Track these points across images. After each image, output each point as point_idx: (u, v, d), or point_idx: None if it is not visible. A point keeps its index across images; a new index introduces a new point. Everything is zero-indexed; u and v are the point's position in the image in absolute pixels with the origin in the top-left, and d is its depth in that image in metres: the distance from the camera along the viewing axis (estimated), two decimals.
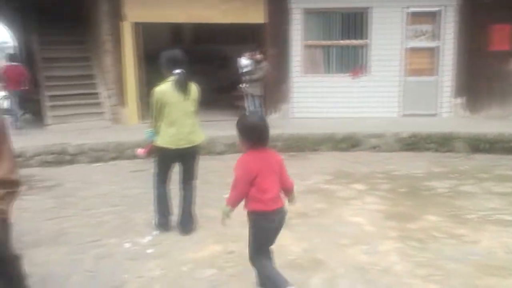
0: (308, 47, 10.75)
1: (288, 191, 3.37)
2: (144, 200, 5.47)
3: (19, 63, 10.91)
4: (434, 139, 8.75)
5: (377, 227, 4.64)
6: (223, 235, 4.42)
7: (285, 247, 4.14)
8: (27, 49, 12.70)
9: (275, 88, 10.65)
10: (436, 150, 8.58)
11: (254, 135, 3.14)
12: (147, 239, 4.38)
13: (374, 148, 8.72)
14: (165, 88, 4.31)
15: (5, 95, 13.05)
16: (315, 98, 10.70)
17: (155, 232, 4.54)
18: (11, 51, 14.55)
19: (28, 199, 5.80)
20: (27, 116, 11.85)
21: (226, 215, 3.15)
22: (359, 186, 6.17)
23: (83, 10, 11.91)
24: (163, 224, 4.59)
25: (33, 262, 3.91)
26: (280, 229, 3.21)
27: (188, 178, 4.66)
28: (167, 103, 4.28)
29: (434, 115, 10.65)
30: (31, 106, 11.58)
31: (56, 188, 6.31)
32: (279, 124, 9.86)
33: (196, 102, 4.56)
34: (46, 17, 11.60)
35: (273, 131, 8.27)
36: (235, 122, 3.26)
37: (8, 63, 10.55)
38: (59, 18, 11.62)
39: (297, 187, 6.17)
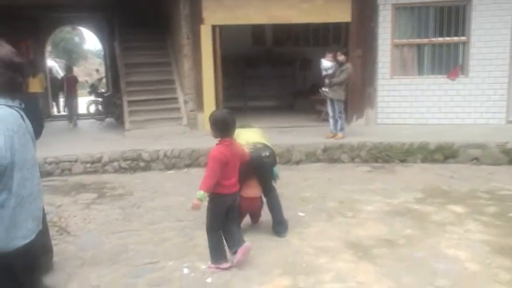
0: (397, 46, 9.84)
1: None
2: None
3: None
4: None
5: (483, 265, 3.77)
6: (292, 264, 3.84)
7: (367, 285, 3.45)
8: (111, 55, 12.99)
9: (359, 91, 9.87)
10: None
11: (223, 128, 3.70)
12: (207, 264, 3.91)
13: (474, 160, 7.63)
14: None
15: (92, 100, 13.52)
16: (404, 103, 9.76)
17: None
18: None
19: (96, 208, 5.62)
20: (110, 120, 12.11)
21: (201, 199, 3.61)
22: (457, 208, 5.25)
23: (165, 15, 11.94)
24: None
25: (84, 285, 3.60)
26: (233, 207, 3.90)
27: (266, 190, 4.63)
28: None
29: None
30: (115, 111, 11.79)
31: (125, 198, 6.09)
32: (362, 131, 9.09)
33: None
34: (129, 23, 11.77)
35: (355, 139, 7.59)
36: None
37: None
38: (142, 24, 11.75)
39: (380, 206, 5.53)
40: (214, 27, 9.92)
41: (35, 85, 13.10)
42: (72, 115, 12.47)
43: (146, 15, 12.18)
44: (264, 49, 13.73)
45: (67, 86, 13.40)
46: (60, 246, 4.36)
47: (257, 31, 13.64)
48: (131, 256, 4.10)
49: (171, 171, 7.73)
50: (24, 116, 2.18)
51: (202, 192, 3.60)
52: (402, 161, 7.89)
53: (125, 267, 3.88)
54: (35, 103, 3.74)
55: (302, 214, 5.17)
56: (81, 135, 10.37)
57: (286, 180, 6.60)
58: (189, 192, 6.15)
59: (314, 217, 5.06)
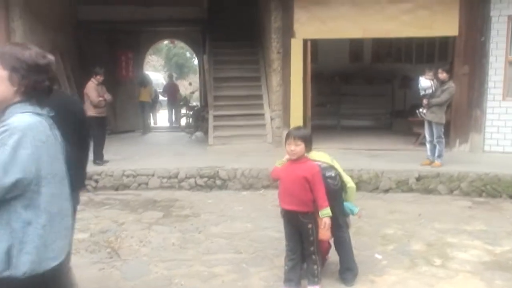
0: None
1: None
2: (272, 250, 4.49)
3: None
4: None
5: None
6: None
7: None
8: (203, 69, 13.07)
9: (464, 114, 8.73)
10: None
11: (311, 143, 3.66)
12: None
13: None
14: None
15: (183, 113, 13.71)
16: None
17: None
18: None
19: (156, 230, 5.34)
20: (199, 134, 12.08)
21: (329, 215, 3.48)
22: None
23: (259, 29, 11.73)
24: None
25: None
26: None
27: (333, 227, 3.71)
28: None
29: None
30: (204, 125, 11.74)
31: (190, 219, 5.75)
32: (465, 159, 7.98)
33: None
34: (221, 36, 11.72)
35: (455, 168, 6.53)
36: None
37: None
38: (235, 38, 11.64)
39: (478, 255, 4.49)
40: (305, 41, 9.41)
41: (144, 95, 13.95)
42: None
43: (240, 28, 12.09)
44: (362, 66, 12.92)
45: (168, 94, 14.14)
46: (105, 272, 4.09)
47: (355, 46, 12.86)
48: None
49: (247, 192, 7.30)
50: (54, 125, 2.02)
51: (328, 208, 3.47)
52: None
53: None
54: (77, 111, 3.36)
55: (380, 257, 4.41)
56: (166, 147, 10.38)
57: (368, 212, 5.87)
58: (258, 218, 5.70)
59: (393, 262, 4.27)
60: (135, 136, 13.03)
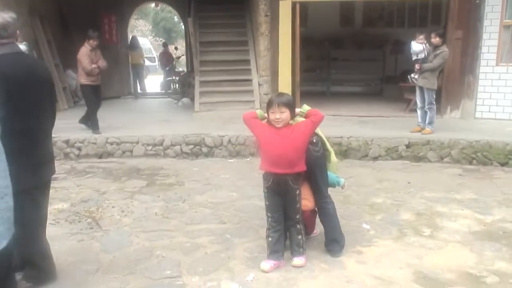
0: (508, 28, 8.33)
1: None
2: (257, 220, 4.35)
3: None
4: None
5: None
6: None
7: None
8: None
9: (456, 79, 8.54)
10: None
11: None
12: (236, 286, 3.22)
13: None
14: None
15: (169, 79, 13.36)
16: (511, 95, 8.27)
17: (250, 277, 3.35)
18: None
19: (139, 199, 5.17)
20: (186, 100, 11.79)
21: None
22: None
23: None
24: None
25: None
26: None
27: (317, 198, 3.70)
28: None
29: None
30: (190, 91, 11.44)
31: (175, 188, 5.58)
32: (456, 126, 7.85)
33: None
34: (208, 0, 11.29)
35: (446, 135, 6.36)
36: None
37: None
38: (221, 1, 11.21)
39: (468, 225, 4.30)
40: (294, 3, 9.06)
41: (136, 58, 13.70)
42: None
43: None
44: (353, 30, 12.59)
45: (161, 61, 13.88)
46: (84, 243, 3.93)
47: (346, 10, 12.52)
48: (152, 265, 3.52)
49: (233, 159, 7.15)
50: None
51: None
52: (503, 164, 6.62)
53: (140, 279, 3.31)
54: (45, 77, 3.10)
55: (367, 227, 4.28)
56: (151, 114, 10.11)
57: (356, 180, 5.77)
58: (244, 186, 5.55)
59: (381, 233, 4.15)
60: (121, 102, 12.72)
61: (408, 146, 7.05)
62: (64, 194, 5.33)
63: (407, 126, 7.70)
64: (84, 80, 7.76)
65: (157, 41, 33.25)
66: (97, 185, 5.75)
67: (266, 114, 3.46)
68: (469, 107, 8.54)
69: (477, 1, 8.28)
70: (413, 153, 7.00)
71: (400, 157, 7.01)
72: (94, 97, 7.92)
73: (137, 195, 5.29)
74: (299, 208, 3.52)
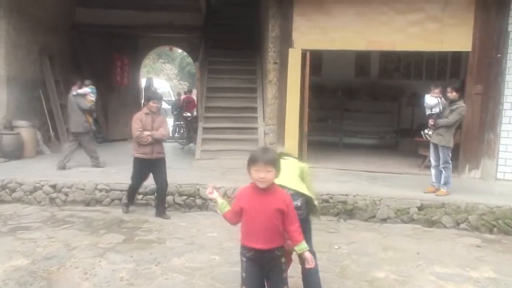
0: None
1: None
2: None
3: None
4: None
5: None
6: None
7: None
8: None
9: (475, 137, 7.92)
10: None
11: None
12: None
13: None
14: None
15: (176, 124, 12.99)
16: None
17: None
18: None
19: (109, 258, 4.61)
20: (193, 146, 11.37)
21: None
22: None
23: (257, 37, 11.06)
24: None
25: None
26: None
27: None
28: None
29: None
30: (196, 137, 11.03)
31: (152, 247, 4.99)
32: (475, 188, 7.17)
33: None
34: (219, 44, 11.07)
35: (463, 197, 5.60)
36: None
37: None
38: (233, 47, 10.98)
39: None
40: (304, 52, 8.69)
41: None
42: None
43: (239, 36, 11.45)
44: (368, 81, 12.16)
45: (186, 106, 13.50)
46: None
47: (361, 60, 12.13)
48: None
49: None
50: None
51: (304, 241, 3.03)
52: None
53: None
54: None
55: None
56: None
57: (359, 247, 5.11)
58: (229, 250, 4.94)
59: None
60: (126, 145, 12.33)
61: (420, 208, 6.38)
62: (29, 248, 4.81)
63: (420, 185, 7.06)
64: (135, 151, 6.18)
65: (181, 85, 33.55)
66: (70, 238, 5.21)
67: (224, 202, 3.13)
68: (490, 167, 7.85)
69: (498, 55, 7.76)
70: (426, 217, 6.31)
71: (411, 221, 6.33)
72: (140, 176, 6.31)
73: (108, 253, 4.73)
74: (285, 278, 3.10)
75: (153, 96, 6.38)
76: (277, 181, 3.10)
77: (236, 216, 3.05)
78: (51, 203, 6.92)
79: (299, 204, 3.29)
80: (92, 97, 8.61)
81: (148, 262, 4.50)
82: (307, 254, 3.00)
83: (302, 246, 2.99)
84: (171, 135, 13.18)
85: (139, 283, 3.99)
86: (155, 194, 6.57)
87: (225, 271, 4.32)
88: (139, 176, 6.31)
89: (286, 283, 3.07)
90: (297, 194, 3.32)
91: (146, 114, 6.16)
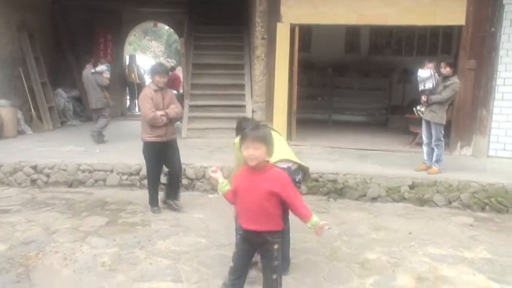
0: None
1: None
2: (220, 279, 3.56)
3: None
4: None
5: None
6: None
7: None
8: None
9: (468, 113, 7.78)
10: None
11: None
12: None
13: None
14: None
15: None
16: None
17: None
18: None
19: (90, 242, 4.39)
20: (179, 124, 11.09)
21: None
22: None
23: (245, 12, 10.73)
24: None
25: None
26: None
27: None
28: None
29: None
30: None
31: (136, 230, 4.80)
32: (467, 165, 7.04)
33: None
34: (205, 20, 10.73)
35: (456, 175, 5.37)
36: None
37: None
38: (221, 22, 10.65)
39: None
40: (293, 26, 8.42)
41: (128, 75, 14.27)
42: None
43: (226, 12, 11.10)
44: (358, 57, 11.93)
45: (171, 84, 13.26)
46: None
47: (351, 36, 11.88)
48: None
49: (214, 195, 6.35)
50: None
51: (314, 216, 2.85)
52: None
53: None
54: None
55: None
56: (137, 139, 9.40)
57: (349, 227, 4.99)
58: (216, 231, 4.76)
59: None
60: (111, 123, 12.04)
61: (411, 186, 6.24)
62: (7, 233, 4.59)
63: (411, 163, 6.92)
64: (146, 135, 5.28)
65: (169, 62, 33.00)
66: (50, 221, 4.99)
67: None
68: (482, 144, 7.73)
69: (492, 29, 7.56)
70: (417, 195, 6.18)
71: (402, 199, 6.19)
72: (157, 163, 5.48)
73: (90, 237, 4.52)
74: (276, 266, 2.93)
75: (159, 68, 5.38)
76: (282, 155, 3.31)
77: (234, 196, 2.95)
78: (32, 185, 6.65)
79: (301, 178, 3.60)
80: (107, 75, 8.83)
81: (131, 246, 4.31)
82: (323, 224, 2.83)
83: (314, 220, 2.81)
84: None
85: (121, 269, 3.80)
86: (168, 179, 5.72)
87: (212, 254, 4.15)
88: (157, 163, 5.47)
89: (276, 271, 2.90)
90: (298, 169, 3.46)
91: (155, 90, 5.24)
